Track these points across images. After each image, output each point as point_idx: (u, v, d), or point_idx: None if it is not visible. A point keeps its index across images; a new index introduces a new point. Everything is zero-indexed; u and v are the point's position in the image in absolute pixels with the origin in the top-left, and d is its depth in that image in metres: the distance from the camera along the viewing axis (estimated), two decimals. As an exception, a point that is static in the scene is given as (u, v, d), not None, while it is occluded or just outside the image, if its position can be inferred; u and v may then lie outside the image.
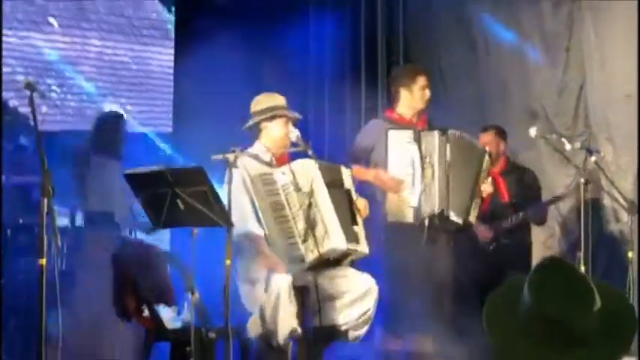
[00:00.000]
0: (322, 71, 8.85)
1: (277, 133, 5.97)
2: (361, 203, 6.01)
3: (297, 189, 5.76)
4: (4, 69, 8.55)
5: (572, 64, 8.25)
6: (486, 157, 6.61)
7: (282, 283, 5.63)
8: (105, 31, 9.88)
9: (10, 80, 8.38)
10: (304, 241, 5.70)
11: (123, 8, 10.06)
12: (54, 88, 9.50)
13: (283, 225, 5.77)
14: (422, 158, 6.37)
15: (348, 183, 5.99)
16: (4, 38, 8.78)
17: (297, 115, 6.03)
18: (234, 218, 5.34)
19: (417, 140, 6.40)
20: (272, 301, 5.62)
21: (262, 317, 5.67)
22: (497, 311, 2.62)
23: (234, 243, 5.46)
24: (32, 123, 4.77)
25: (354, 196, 5.99)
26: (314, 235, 5.72)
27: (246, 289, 5.82)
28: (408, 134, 6.42)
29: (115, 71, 9.94)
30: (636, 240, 6.87)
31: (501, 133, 7.54)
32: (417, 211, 6.36)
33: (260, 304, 5.70)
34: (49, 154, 4.67)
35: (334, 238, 5.73)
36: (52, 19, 9.57)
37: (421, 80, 6.62)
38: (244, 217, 5.70)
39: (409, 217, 6.39)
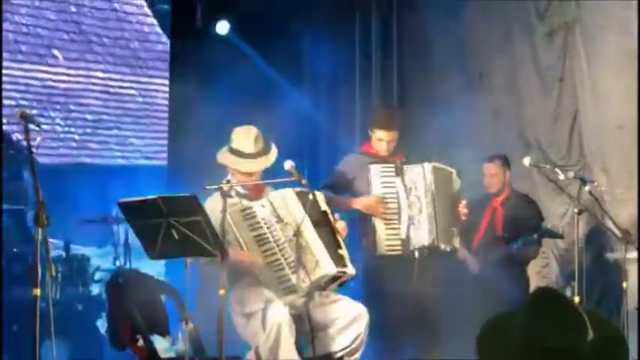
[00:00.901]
0: (318, 97, 8.87)
1: (241, 178, 5.90)
2: (341, 225, 6.00)
3: (279, 220, 5.74)
4: (8, 102, 8.56)
5: (565, 93, 8.30)
6: (455, 178, 6.63)
7: (280, 316, 5.62)
8: (110, 64, 9.85)
9: (13, 113, 8.36)
10: (294, 272, 5.70)
11: (129, 40, 10.03)
12: (58, 121, 9.47)
13: (270, 258, 5.75)
14: (406, 191, 6.42)
15: (324, 206, 5.96)
16: (8, 71, 8.80)
17: (261, 167, 5.91)
18: None
19: (400, 173, 6.45)
20: (272, 335, 5.59)
21: (259, 351, 5.65)
22: (490, 341, 2.62)
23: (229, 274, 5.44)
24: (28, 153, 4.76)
25: (332, 218, 5.97)
26: (303, 265, 5.71)
27: (242, 323, 5.79)
28: (390, 167, 6.47)
29: (120, 104, 9.89)
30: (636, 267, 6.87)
31: (506, 163, 7.51)
32: (406, 242, 6.40)
33: (257, 338, 5.68)
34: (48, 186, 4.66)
35: (324, 265, 5.72)
36: (56, 52, 9.54)
37: (379, 133, 6.58)
38: None
39: (398, 249, 6.43)
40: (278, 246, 5.71)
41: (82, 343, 6.88)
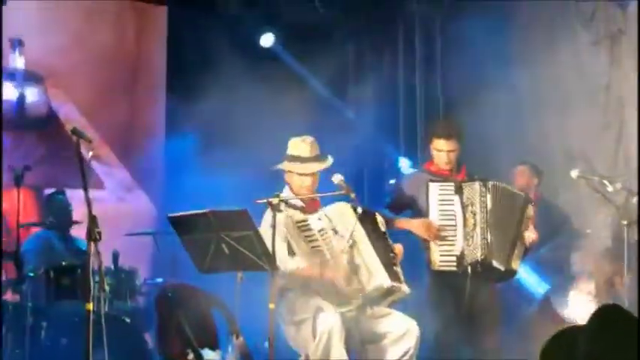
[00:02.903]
0: (361, 109, 8.88)
1: (297, 183, 6.03)
2: (398, 248, 6.07)
3: (335, 232, 5.79)
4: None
5: (611, 102, 8.24)
6: (530, 206, 6.57)
7: (333, 322, 5.65)
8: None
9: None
10: (349, 283, 5.73)
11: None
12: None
13: (326, 269, 5.79)
14: (463, 208, 6.41)
15: (383, 228, 6.05)
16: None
17: (318, 168, 6.02)
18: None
19: (458, 192, 6.44)
20: (322, 342, 5.62)
21: (310, 359, 5.68)
22: (554, 356, 2.62)
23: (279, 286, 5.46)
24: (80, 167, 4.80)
25: (390, 240, 6.05)
26: (358, 276, 5.75)
27: (293, 332, 5.84)
28: (449, 186, 6.47)
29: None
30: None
31: (534, 170, 7.65)
32: (460, 259, 6.40)
33: (308, 345, 5.72)
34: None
35: (378, 276, 5.76)
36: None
37: (438, 144, 6.57)
38: (282, 260, 5.71)
39: (452, 265, 6.43)
40: (333, 257, 5.75)
41: (130, 357, 6.89)
